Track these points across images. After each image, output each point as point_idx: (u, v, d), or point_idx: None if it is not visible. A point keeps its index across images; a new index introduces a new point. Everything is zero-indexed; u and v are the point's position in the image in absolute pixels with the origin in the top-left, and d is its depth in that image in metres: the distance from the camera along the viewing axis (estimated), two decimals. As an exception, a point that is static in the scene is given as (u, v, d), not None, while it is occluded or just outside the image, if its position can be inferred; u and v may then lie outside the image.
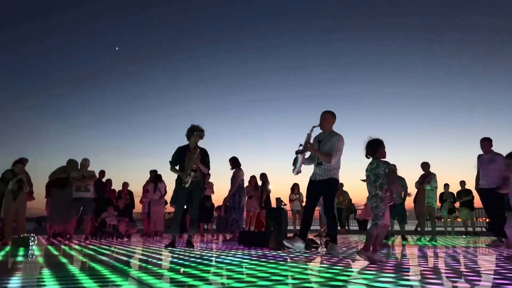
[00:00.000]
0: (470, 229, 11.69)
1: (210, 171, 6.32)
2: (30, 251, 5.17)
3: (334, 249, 4.60)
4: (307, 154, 4.96)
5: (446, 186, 11.21)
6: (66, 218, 7.48)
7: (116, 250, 5.33)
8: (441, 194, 11.49)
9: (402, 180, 8.02)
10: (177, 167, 5.77)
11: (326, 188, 4.82)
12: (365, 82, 46.52)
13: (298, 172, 4.86)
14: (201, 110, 47.13)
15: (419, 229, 10.78)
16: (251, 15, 47.66)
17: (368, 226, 6.41)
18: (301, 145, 4.78)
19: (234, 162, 7.72)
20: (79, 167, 7.68)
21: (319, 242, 5.55)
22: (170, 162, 5.78)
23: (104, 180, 9.58)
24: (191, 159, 5.64)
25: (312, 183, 4.94)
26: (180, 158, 5.75)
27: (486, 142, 6.30)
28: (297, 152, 4.79)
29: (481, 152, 6.46)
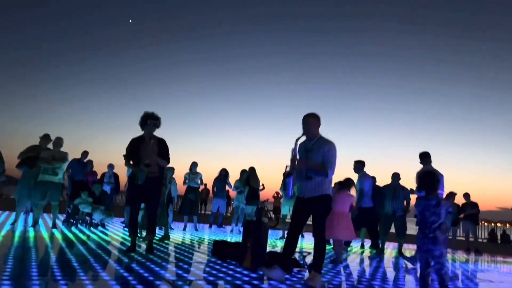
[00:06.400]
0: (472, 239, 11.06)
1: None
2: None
3: (316, 281, 3.67)
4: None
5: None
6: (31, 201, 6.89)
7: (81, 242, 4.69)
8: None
9: (404, 191, 7.40)
10: (131, 162, 5.00)
11: (318, 207, 3.82)
12: (378, 74, 45.50)
13: (293, 196, 4.16)
14: (201, 92, 46.33)
15: None
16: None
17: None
18: (287, 165, 3.90)
19: None
20: (51, 144, 6.93)
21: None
22: (123, 156, 5.01)
23: (85, 160, 8.90)
24: (144, 152, 4.88)
25: (300, 202, 3.94)
26: (134, 151, 4.96)
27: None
28: (286, 175, 3.91)
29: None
